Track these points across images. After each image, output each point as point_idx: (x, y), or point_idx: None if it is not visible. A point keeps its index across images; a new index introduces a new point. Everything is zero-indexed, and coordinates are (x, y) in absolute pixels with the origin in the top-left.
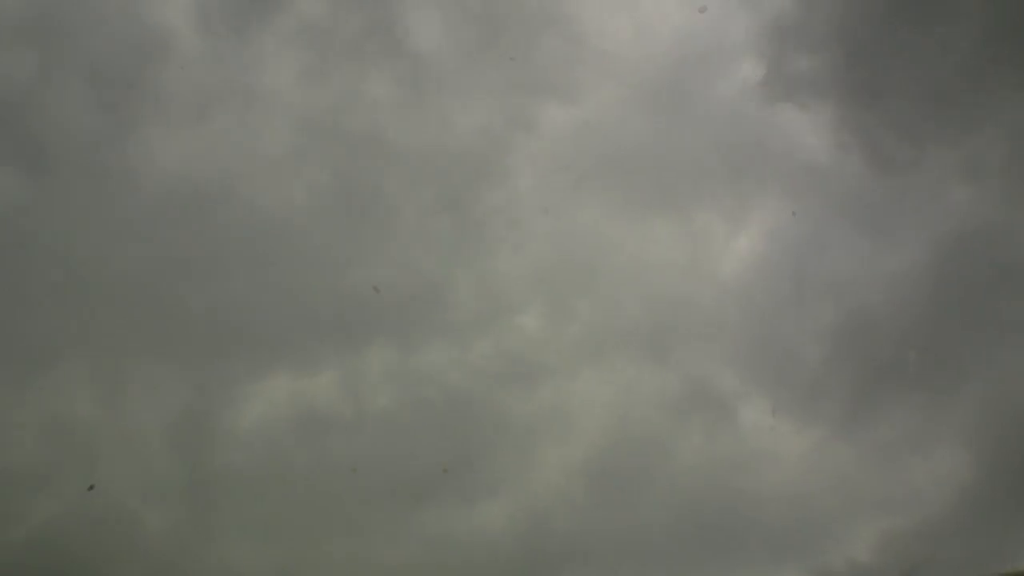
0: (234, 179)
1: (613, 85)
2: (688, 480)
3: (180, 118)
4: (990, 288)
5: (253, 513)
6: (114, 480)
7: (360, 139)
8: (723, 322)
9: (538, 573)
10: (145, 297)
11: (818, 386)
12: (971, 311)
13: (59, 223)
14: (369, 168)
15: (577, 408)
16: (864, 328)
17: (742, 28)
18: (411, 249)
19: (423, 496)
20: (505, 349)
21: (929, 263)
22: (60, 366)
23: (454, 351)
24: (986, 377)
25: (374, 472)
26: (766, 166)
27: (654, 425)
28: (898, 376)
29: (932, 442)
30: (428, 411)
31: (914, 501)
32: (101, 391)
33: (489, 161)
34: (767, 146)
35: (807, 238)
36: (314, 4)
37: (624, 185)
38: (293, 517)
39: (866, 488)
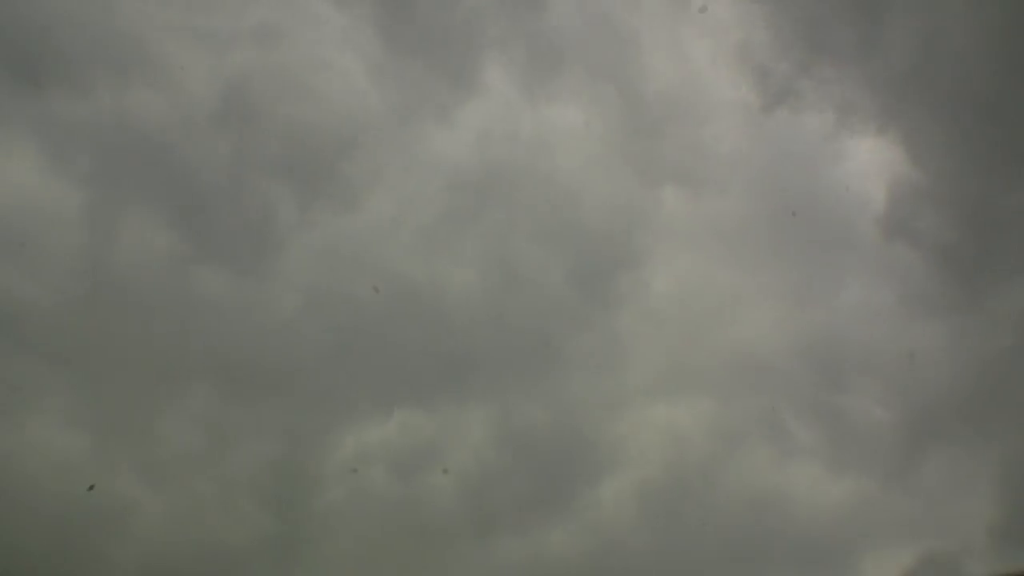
0: (387, 251)
1: (730, 179)
2: (743, 509)
3: (349, 200)
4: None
5: (343, 548)
6: (215, 523)
7: (504, 212)
8: (795, 375)
9: None
10: (266, 360)
11: (871, 439)
12: (1006, 384)
13: (203, 286)
14: (510, 239)
15: (645, 440)
16: (920, 397)
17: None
18: (540, 313)
19: (505, 525)
20: (600, 393)
21: (979, 348)
22: (168, 413)
23: (554, 397)
24: (1014, 435)
25: (462, 506)
26: (857, 252)
27: (715, 458)
28: (941, 435)
29: (965, 489)
30: (518, 449)
31: (944, 535)
32: (204, 436)
33: (620, 236)
34: (862, 238)
35: (885, 317)
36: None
37: (732, 260)
38: (380, 551)
39: (903, 526)
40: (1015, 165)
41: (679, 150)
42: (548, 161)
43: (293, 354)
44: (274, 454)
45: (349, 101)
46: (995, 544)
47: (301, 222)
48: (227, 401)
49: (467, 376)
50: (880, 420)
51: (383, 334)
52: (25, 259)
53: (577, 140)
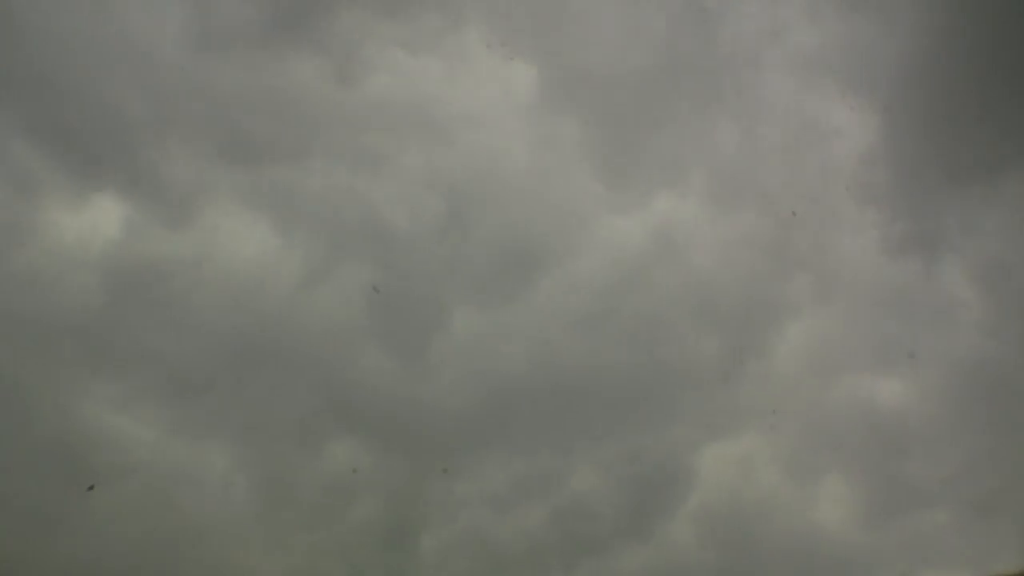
0: (546, 334)
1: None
2: (808, 545)
3: (522, 290)
4: None
5: None
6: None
7: (656, 296)
8: (867, 432)
9: None
10: (404, 424)
11: (916, 494)
12: None
13: (367, 359)
14: (657, 320)
15: (718, 474)
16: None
17: None
18: (671, 386)
19: (589, 550)
20: (694, 436)
21: None
22: (303, 472)
23: (650, 442)
24: None
25: (555, 534)
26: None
27: (782, 496)
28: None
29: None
30: (612, 484)
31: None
32: (331, 492)
33: (751, 317)
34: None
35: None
36: None
37: (840, 334)
38: None
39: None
40: None
41: (806, 246)
42: (694, 252)
43: (432, 420)
44: (390, 504)
45: (546, 203)
46: None
47: (473, 315)
48: (360, 458)
49: (582, 429)
50: (939, 478)
51: (519, 403)
52: (209, 323)
53: (721, 236)
